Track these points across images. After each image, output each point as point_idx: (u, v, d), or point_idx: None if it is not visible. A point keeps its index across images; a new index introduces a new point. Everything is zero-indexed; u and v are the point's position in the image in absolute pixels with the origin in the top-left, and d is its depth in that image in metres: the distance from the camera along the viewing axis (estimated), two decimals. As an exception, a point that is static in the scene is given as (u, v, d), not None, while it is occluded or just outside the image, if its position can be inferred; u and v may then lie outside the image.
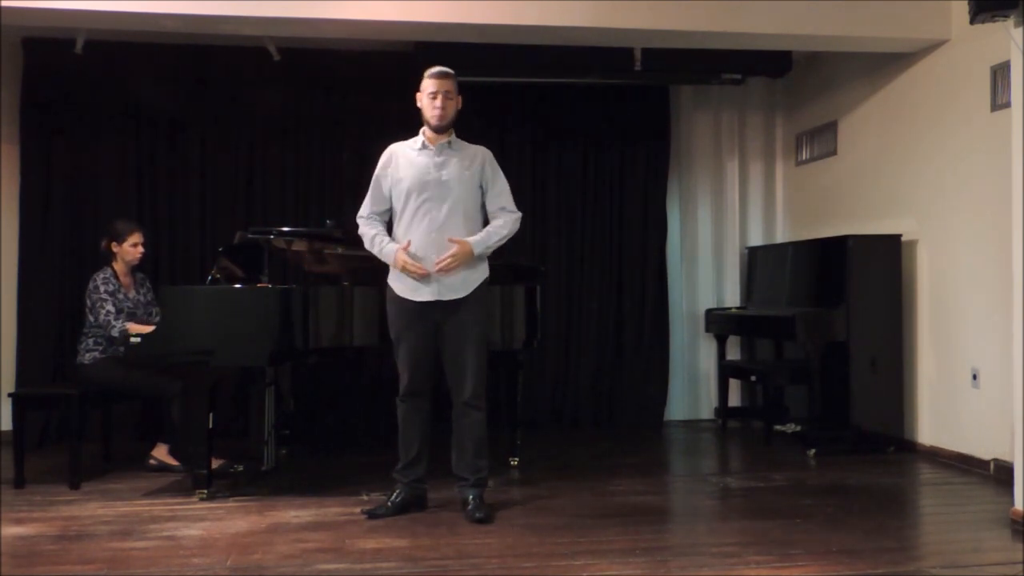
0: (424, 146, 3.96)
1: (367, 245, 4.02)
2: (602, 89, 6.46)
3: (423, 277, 3.86)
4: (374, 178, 4.03)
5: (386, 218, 4.04)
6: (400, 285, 3.94)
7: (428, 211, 3.90)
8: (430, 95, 3.91)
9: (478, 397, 3.98)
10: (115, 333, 4.65)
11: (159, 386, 4.70)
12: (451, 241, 3.85)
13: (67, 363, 5.52)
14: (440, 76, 3.91)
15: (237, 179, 6.15)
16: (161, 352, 4.27)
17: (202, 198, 6.10)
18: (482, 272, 4.00)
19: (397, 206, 3.98)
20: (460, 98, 3.98)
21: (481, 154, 4.03)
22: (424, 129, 3.98)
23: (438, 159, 3.93)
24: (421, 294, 3.90)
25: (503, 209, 4.02)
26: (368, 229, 4.01)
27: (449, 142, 3.97)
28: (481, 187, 4.00)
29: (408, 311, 3.93)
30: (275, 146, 6.19)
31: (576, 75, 6.09)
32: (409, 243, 3.87)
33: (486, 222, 4.03)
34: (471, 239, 3.89)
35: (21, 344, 5.83)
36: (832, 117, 6.37)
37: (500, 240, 3.97)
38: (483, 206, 4.04)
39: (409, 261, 3.84)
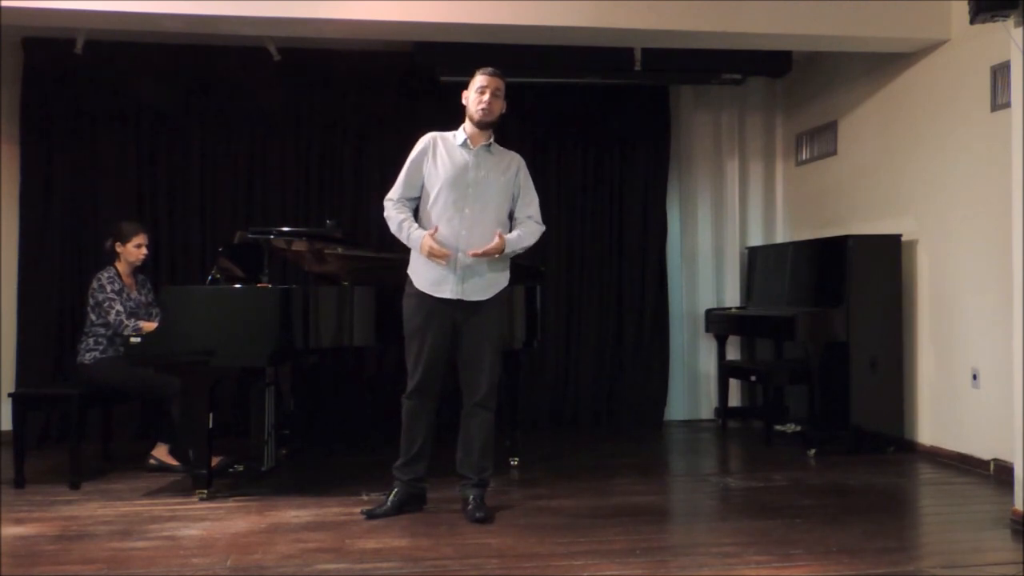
0: (465, 144, 3.95)
1: (393, 229, 3.97)
2: (602, 89, 6.46)
3: (446, 270, 3.85)
4: (409, 162, 3.99)
5: (414, 206, 4.01)
6: (422, 279, 3.91)
7: (460, 208, 3.88)
8: (479, 89, 3.89)
9: (491, 398, 3.98)
10: (129, 332, 4.64)
11: (159, 386, 4.70)
12: (498, 235, 3.85)
13: (67, 363, 5.53)
14: (492, 74, 3.91)
15: (237, 179, 6.15)
16: (161, 352, 4.26)
17: (202, 198, 6.10)
18: (505, 277, 4.02)
19: (428, 198, 3.95)
20: (505, 104, 3.98)
21: (516, 161, 4.06)
22: (465, 126, 3.96)
23: (477, 159, 3.93)
24: (443, 291, 3.88)
25: (530, 218, 4.04)
26: (396, 213, 3.96)
27: (488, 144, 3.96)
28: (513, 194, 4.02)
29: (427, 307, 3.90)
30: (275, 146, 6.19)
31: (576, 75, 6.09)
32: (436, 229, 3.85)
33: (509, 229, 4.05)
34: (508, 236, 3.91)
35: (21, 344, 5.83)
36: (832, 117, 6.37)
37: (525, 247, 4.01)
38: (511, 212, 4.05)
39: (435, 247, 3.82)
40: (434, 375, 3.95)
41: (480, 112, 3.88)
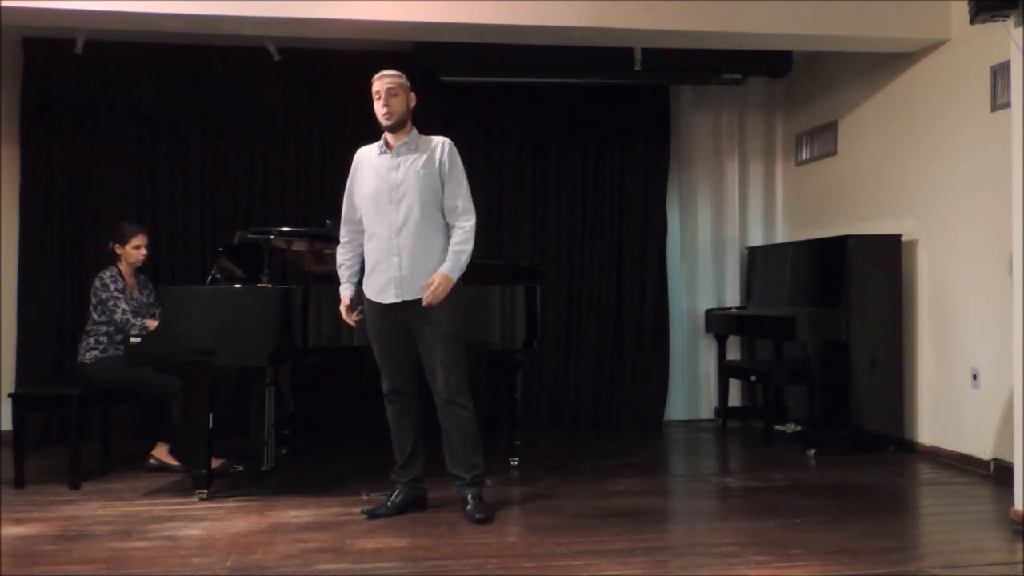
0: (383, 150, 3.96)
1: (336, 267, 4.10)
2: (602, 89, 6.46)
3: (387, 277, 3.87)
4: (346, 186, 4.07)
5: (361, 226, 4.02)
6: (369, 288, 3.96)
7: (387, 215, 3.88)
8: (375, 95, 3.90)
9: (459, 395, 3.94)
10: (136, 332, 4.64)
11: (159, 386, 4.70)
12: (425, 285, 3.81)
13: (67, 363, 5.52)
14: (383, 76, 3.91)
15: (237, 179, 6.15)
16: (161, 352, 4.26)
17: (202, 198, 6.10)
18: None
19: (362, 212, 3.99)
20: (412, 94, 3.96)
21: (440, 147, 3.96)
22: (384, 132, 3.97)
23: (395, 160, 3.92)
24: (387, 296, 3.90)
25: (455, 210, 3.93)
26: (339, 256, 4.08)
27: (407, 141, 3.93)
28: (441, 183, 3.93)
29: (378, 312, 3.94)
30: (275, 146, 6.20)
31: (576, 75, 6.09)
32: (351, 302, 3.99)
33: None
34: (444, 269, 3.84)
35: (21, 344, 5.83)
36: (832, 117, 6.37)
37: (468, 254, 3.91)
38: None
39: (345, 314, 4.01)
40: (402, 375, 3.99)
41: (383, 117, 3.88)
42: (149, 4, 4.63)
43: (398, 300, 3.89)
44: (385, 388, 4.02)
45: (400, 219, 3.87)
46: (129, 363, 4.48)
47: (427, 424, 4.13)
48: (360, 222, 4.02)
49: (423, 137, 3.99)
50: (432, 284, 3.81)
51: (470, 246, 3.93)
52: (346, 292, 4.03)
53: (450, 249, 3.91)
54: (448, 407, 3.95)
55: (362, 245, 4.03)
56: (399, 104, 3.90)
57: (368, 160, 4.00)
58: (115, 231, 5.00)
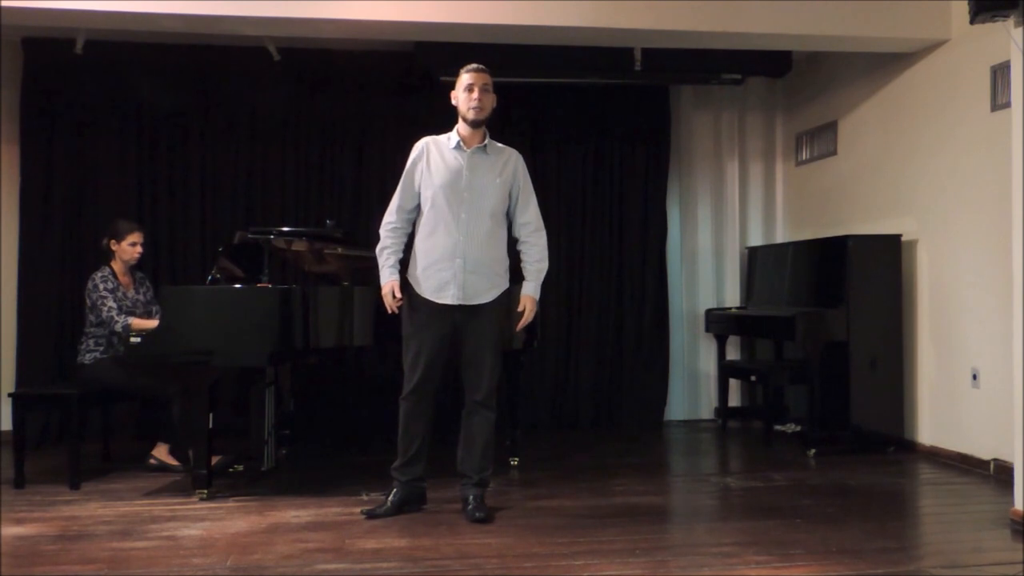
0: (459, 146, 3.92)
1: (377, 251, 4.00)
2: (602, 89, 6.46)
3: (448, 276, 3.85)
4: (406, 171, 3.98)
5: (414, 215, 4.00)
6: (423, 287, 3.90)
7: (457, 214, 3.87)
8: (467, 87, 3.86)
9: (491, 397, 3.98)
10: (119, 328, 4.65)
11: (159, 386, 4.70)
12: (519, 311, 4.00)
13: (67, 363, 5.53)
14: (478, 70, 3.89)
15: (237, 179, 6.15)
16: (161, 352, 4.26)
17: (202, 198, 6.11)
18: (505, 279, 4.01)
19: (424, 205, 3.94)
20: (495, 97, 3.96)
21: (514, 160, 4.01)
22: (459, 127, 3.93)
23: (472, 162, 3.90)
24: (445, 296, 3.88)
25: (528, 225, 4.01)
26: (384, 237, 3.97)
27: (484, 145, 3.93)
28: (510, 194, 3.99)
29: (427, 310, 3.90)
30: (275, 146, 6.19)
31: (576, 75, 6.09)
32: (394, 285, 3.91)
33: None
34: (530, 291, 4.02)
35: (21, 344, 5.84)
36: (832, 117, 6.37)
37: (545, 271, 4.08)
38: (508, 212, 4.02)
39: (390, 299, 3.91)
40: (432, 377, 3.95)
41: (473, 111, 3.85)
42: (149, 4, 4.63)
43: (457, 303, 3.88)
44: (409, 386, 3.94)
45: (471, 223, 3.87)
46: (129, 363, 4.48)
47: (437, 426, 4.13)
48: (413, 211, 3.99)
49: (495, 143, 4.00)
50: (524, 311, 4.00)
51: (547, 263, 4.06)
52: (394, 278, 3.93)
53: (530, 267, 4.03)
54: (479, 407, 3.97)
55: (408, 235, 4.01)
56: (490, 103, 3.92)
57: (439, 152, 3.94)
58: (110, 228, 4.98)
